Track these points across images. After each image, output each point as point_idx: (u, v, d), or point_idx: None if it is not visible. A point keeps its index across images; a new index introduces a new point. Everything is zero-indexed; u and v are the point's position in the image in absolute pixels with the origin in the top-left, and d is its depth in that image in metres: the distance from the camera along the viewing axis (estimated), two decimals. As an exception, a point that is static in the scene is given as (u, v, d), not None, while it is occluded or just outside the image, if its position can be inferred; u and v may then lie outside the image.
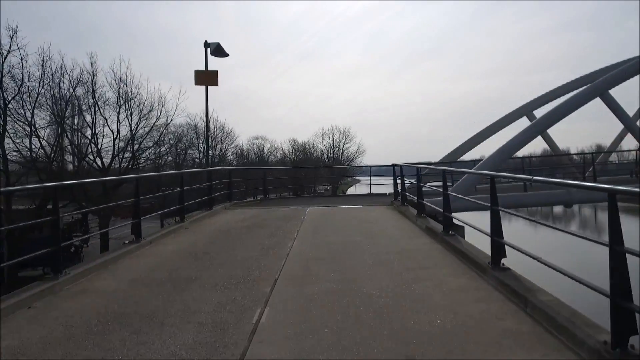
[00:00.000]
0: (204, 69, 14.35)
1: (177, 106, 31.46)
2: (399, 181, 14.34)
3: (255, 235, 8.95)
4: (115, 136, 29.88)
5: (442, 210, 7.87)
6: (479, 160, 18.76)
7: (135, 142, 30.78)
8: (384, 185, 19.84)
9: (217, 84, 14.15)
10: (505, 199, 11.88)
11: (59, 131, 27.17)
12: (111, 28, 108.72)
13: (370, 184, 18.47)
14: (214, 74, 14.17)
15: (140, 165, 32.29)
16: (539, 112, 22.87)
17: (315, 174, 24.25)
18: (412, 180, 13.06)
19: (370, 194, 18.46)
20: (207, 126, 14.58)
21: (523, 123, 22.38)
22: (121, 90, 29.48)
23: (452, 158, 20.23)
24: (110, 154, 30.01)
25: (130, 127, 29.68)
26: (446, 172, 8.83)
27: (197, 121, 52.65)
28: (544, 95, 22.84)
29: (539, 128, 17.28)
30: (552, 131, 18.91)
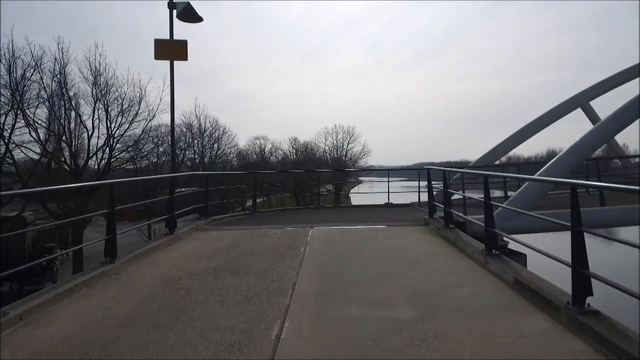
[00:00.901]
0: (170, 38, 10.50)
1: (160, 100, 27.71)
2: (434, 191, 10.65)
3: (220, 295, 5.15)
4: (90, 133, 26.22)
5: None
6: (531, 163, 14.88)
7: (113, 140, 27.07)
8: (400, 192, 16.18)
9: (185, 59, 10.26)
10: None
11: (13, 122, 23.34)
12: (111, 28, 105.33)
13: (388, 193, 14.70)
14: (182, 45, 10.19)
15: (121, 166, 28.60)
16: (596, 104, 19.08)
17: (318, 177, 20.55)
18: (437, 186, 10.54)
19: (388, 205, 14.69)
20: (172, 114, 10.70)
21: (576, 116, 18.54)
22: (98, 81, 25.76)
23: (490, 159, 16.48)
24: (105, 154, 26.40)
25: (108, 123, 25.94)
26: (489, 178, 6.74)
27: (193, 120, 49.10)
28: (601, 82, 19.00)
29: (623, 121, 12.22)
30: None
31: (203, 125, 48.27)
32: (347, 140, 71.17)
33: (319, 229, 9.68)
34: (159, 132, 48.08)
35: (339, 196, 58.53)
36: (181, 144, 47.31)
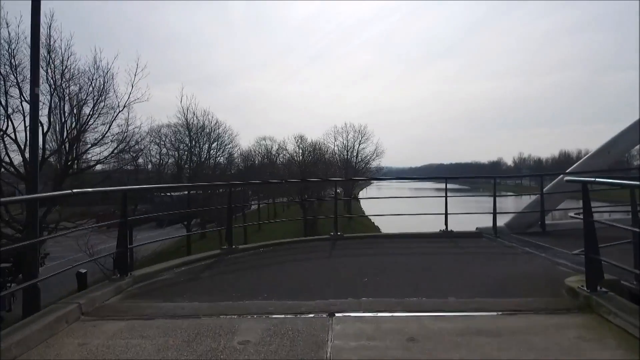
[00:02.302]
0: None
1: (132, 87, 22.46)
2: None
3: None
4: (46, 129, 21.00)
5: None
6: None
7: (78, 135, 21.90)
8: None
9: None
10: None
11: None
12: (123, 31, 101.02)
13: (446, 215, 9.32)
14: None
15: (85, 169, 23.41)
16: None
17: (336, 192, 15.29)
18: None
19: (448, 234, 9.30)
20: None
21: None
22: (51, 59, 20.56)
23: (607, 161, 11.05)
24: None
25: (62, 114, 20.74)
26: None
27: (190, 117, 43.94)
28: None
29: None
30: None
31: (186, 115, 42.48)
32: (358, 140, 65.67)
33: (351, 323, 4.24)
34: (160, 133, 43.24)
35: (350, 203, 53.15)
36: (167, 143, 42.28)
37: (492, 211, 9.52)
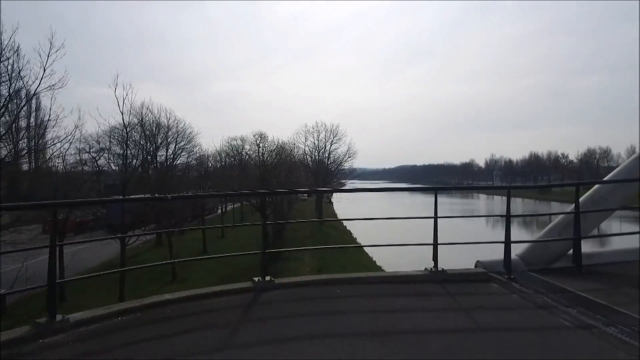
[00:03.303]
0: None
1: (44, 70, 18.34)
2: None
3: None
4: None
5: None
6: None
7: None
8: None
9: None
10: None
11: None
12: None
13: (435, 247, 6.09)
14: None
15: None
16: None
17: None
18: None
19: (438, 274, 6.03)
20: None
21: None
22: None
23: None
24: None
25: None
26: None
27: (145, 113, 39.57)
28: None
29: None
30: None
31: (141, 111, 38.05)
32: (330, 140, 62.35)
33: None
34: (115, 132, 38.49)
35: (321, 207, 49.87)
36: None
37: (501, 239, 6.33)
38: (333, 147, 62.52)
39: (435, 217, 6.10)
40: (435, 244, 6.16)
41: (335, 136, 61.79)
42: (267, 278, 5.63)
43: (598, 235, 7.25)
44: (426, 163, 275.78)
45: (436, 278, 6.01)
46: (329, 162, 61.63)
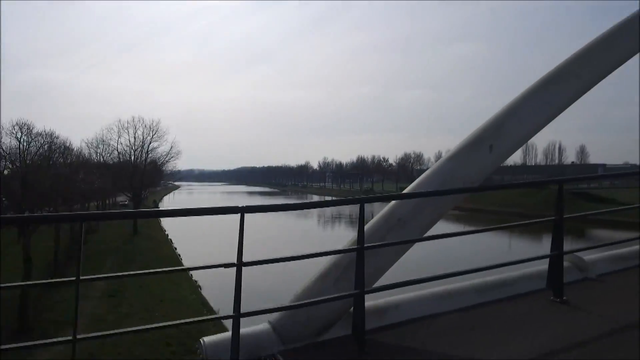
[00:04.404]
0: None
1: None
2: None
3: None
4: None
5: None
6: None
7: None
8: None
9: None
10: None
11: None
12: None
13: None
14: None
15: None
16: None
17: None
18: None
19: None
20: None
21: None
22: None
23: None
24: None
25: None
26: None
27: None
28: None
29: None
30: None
31: None
32: (150, 137, 55.02)
33: None
34: None
35: (135, 223, 43.05)
36: None
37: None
38: (153, 145, 55.49)
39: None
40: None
41: (156, 133, 54.86)
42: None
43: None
44: (265, 165, 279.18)
45: None
46: (147, 163, 54.51)
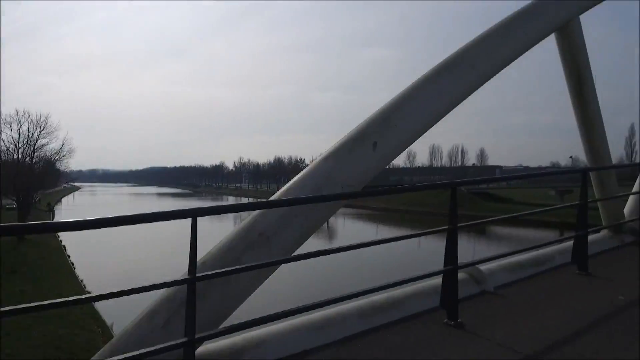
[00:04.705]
0: None
1: None
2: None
3: None
4: None
5: None
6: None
7: None
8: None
9: None
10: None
11: None
12: None
13: None
14: None
15: None
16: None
17: None
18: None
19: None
20: None
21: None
22: None
23: None
24: None
25: None
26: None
27: None
28: None
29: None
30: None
31: None
32: (37, 133, 49.04)
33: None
34: None
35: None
36: None
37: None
38: (42, 141, 49.57)
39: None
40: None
41: (44, 129, 49.10)
42: None
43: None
44: (177, 165, 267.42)
45: None
46: (34, 161, 48.73)
